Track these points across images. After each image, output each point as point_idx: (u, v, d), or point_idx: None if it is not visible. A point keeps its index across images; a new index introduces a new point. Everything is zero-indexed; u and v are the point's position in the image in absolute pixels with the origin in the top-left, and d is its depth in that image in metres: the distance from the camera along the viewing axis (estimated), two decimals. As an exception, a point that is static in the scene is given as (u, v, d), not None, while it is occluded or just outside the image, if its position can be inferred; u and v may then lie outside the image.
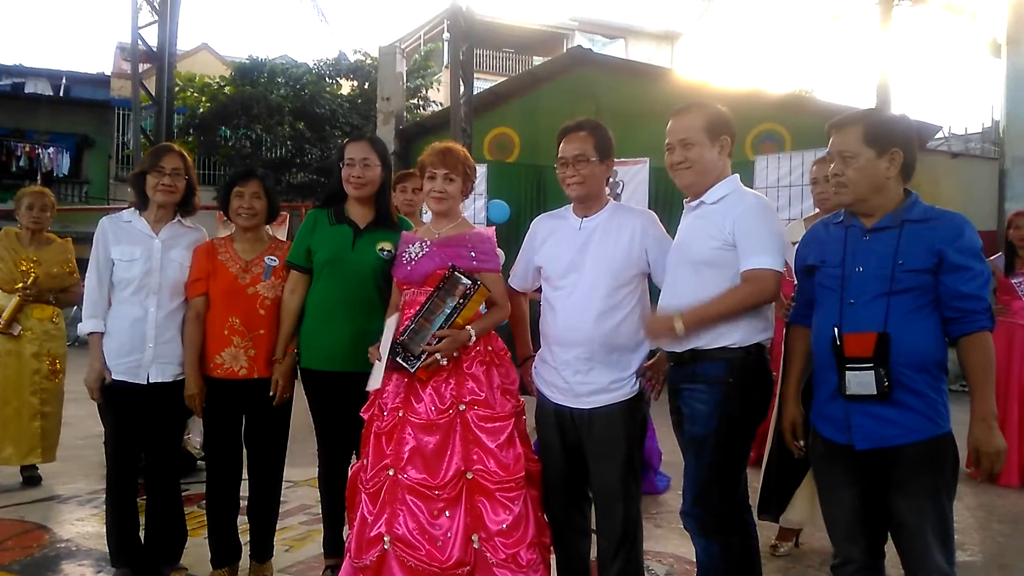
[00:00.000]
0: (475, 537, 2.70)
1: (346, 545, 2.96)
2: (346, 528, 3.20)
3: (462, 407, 2.79)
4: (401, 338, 2.81)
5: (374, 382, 2.90)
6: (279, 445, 3.46)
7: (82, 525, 4.16)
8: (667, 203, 8.58)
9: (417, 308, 2.84)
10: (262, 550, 3.48)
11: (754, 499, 3.05)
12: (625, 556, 2.79)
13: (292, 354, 3.31)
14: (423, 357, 2.77)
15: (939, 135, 13.27)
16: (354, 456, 3.26)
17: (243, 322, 3.29)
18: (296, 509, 4.43)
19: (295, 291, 3.30)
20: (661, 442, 4.79)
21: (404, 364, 2.79)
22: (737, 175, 2.71)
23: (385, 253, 3.20)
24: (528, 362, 3.04)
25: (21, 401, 4.83)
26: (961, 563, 3.58)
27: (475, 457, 2.76)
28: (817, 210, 3.96)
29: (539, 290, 3.07)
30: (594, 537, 2.95)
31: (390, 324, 2.93)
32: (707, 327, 2.53)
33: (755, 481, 3.33)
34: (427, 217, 3.83)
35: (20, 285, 4.78)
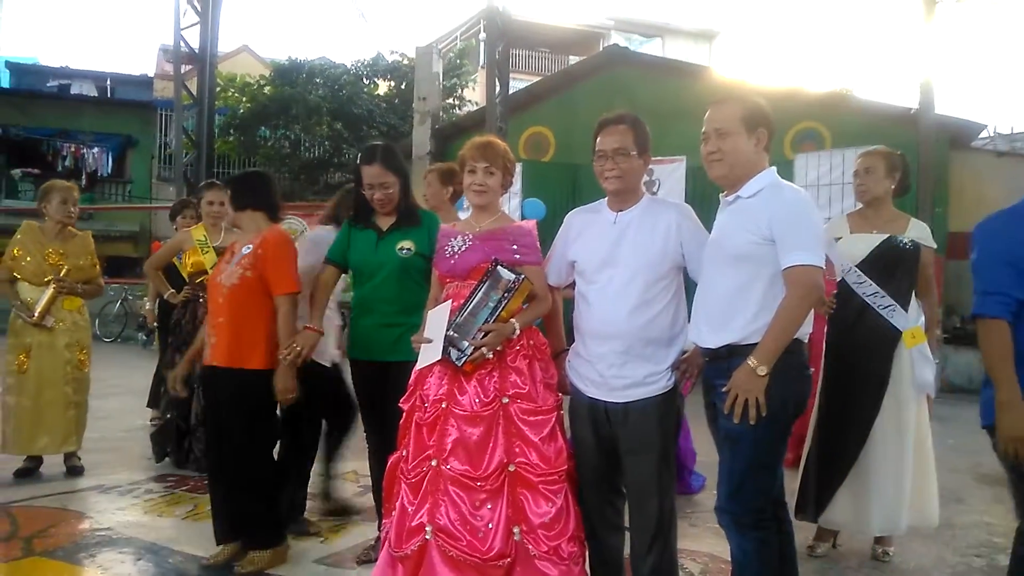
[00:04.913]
0: (516, 529, 2.70)
1: (383, 535, 2.97)
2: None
3: (505, 400, 2.79)
4: (448, 332, 2.82)
5: (422, 363, 2.93)
6: (236, 435, 3.42)
7: (123, 514, 4.24)
8: (703, 201, 8.45)
9: (462, 302, 2.86)
10: (247, 539, 3.50)
11: (791, 501, 3.01)
12: (659, 551, 2.77)
13: (294, 352, 3.37)
14: (469, 351, 2.78)
15: (984, 134, 12.97)
16: None
17: (211, 310, 3.53)
18: (331, 502, 4.47)
19: (323, 287, 3.55)
20: (696, 442, 4.75)
21: (451, 359, 2.81)
22: (774, 168, 2.67)
23: (404, 252, 3.36)
24: (561, 356, 3.04)
25: (56, 391, 4.94)
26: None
27: (517, 450, 2.76)
28: (860, 205, 3.89)
29: (571, 286, 3.06)
30: (627, 534, 2.93)
31: (435, 314, 2.94)
32: (781, 350, 2.45)
33: (792, 483, 3.29)
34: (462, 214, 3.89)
35: (50, 278, 4.90)
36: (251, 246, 3.48)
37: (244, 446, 3.44)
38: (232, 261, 3.51)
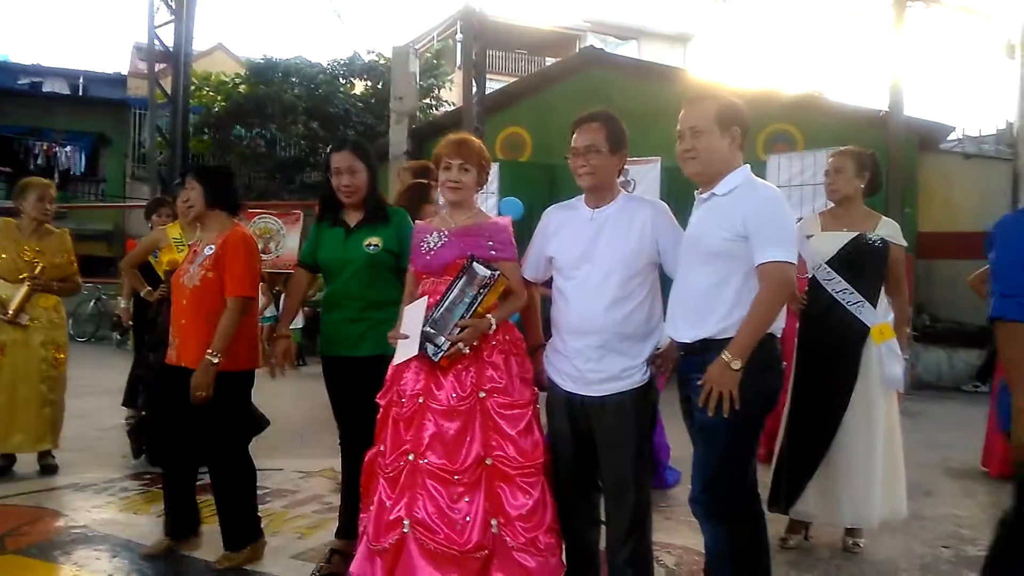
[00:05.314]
0: (494, 522, 2.73)
1: (361, 530, 2.99)
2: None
3: (482, 395, 2.82)
4: (424, 328, 2.85)
5: (398, 358, 2.94)
6: (215, 434, 3.43)
7: (98, 512, 4.21)
8: (678, 202, 8.56)
9: (438, 298, 2.88)
10: (228, 539, 3.50)
11: (764, 494, 3.06)
12: (635, 543, 2.81)
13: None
14: (446, 347, 2.81)
15: (952, 136, 13.21)
16: None
17: (175, 311, 3.51)
18: (309, 498, 4.48)
19: (295, 289, 3.63)
20: (671, 437, 4.80)
21: (428, 354, 2.83)
22: (748, 166, 2.71)
23: (372, 248, 3.36)
24: (538, 352, 3.07)
25: (30, 389, 4.90)
26: (975, 558, 3.60)
27: (494, 444, 2.79)
28: (832, 204, 3.97)
29: (548, 284, 3.10)
30: (602, 528, 2.97)
31: (411, 310, 2.96)
32: (754, 344, 2.49)
33: (764, 477, 3.34)
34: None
35: (26, 275, 4.86)
36: (213, 247, 3.45)
37: (219, 446, 3.44)
38: (195, 262, 3.47)
